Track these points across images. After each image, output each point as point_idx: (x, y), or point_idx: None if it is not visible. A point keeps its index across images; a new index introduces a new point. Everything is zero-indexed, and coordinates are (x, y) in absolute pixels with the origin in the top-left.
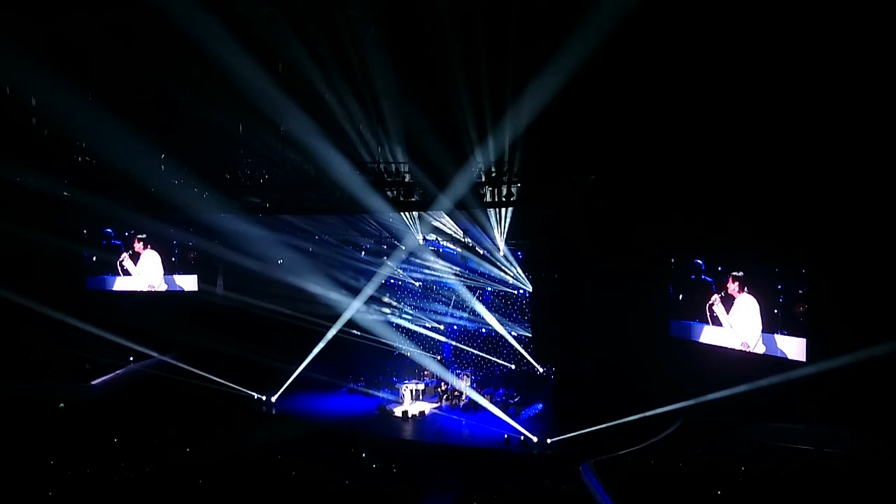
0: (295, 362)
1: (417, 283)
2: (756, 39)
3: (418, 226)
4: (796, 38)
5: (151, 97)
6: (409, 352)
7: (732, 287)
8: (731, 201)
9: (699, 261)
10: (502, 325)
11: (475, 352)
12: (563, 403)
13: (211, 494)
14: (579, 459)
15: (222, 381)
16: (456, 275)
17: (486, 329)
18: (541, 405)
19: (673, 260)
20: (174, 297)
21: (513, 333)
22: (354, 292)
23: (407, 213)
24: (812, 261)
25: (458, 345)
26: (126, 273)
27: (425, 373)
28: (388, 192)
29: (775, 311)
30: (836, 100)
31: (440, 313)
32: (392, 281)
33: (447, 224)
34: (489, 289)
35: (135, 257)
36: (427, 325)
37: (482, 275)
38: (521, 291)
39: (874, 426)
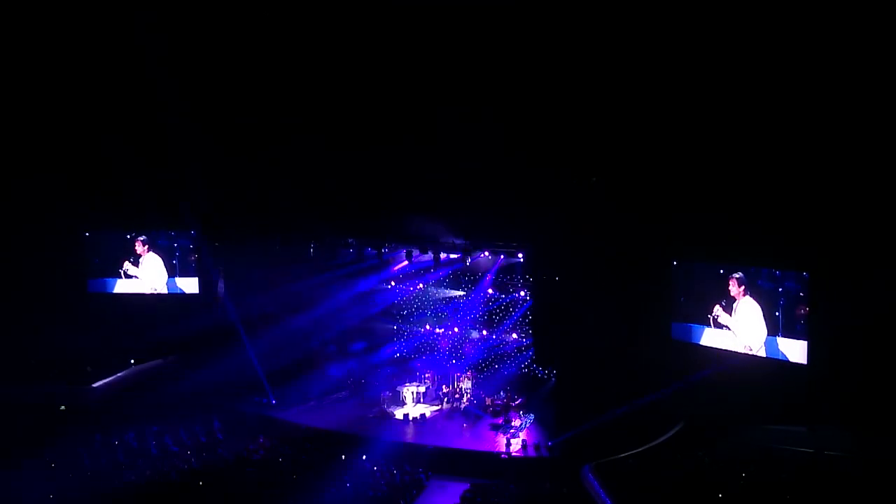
0: (296, 363)
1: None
2: (756, 40)
3: None
4: (796, 39)
5: None
6: (410, 354)
7: (734, 290)
8: (734, 203)
9: (701, 263)
10: (503, 326)
11: (476, 353)
12: (564, 406)
13: (212, 496)
14: (580, 462)
15: (223, 383)
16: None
17: (486, 331)
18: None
19: (675, 262)
20: (175, 299)
21: (514, 335)
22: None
23: None
24: (814, 263)
25: (460, 346)
26: (128, 276)
27: (426, 375)
28: None
29: (777, 313)
30: (838, 102)
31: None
32: (393, 285)
33: None
34: (490, 291)
35: (137, 260)
36: (428, 326)
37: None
38: (520, 295)
39: (876, 429)
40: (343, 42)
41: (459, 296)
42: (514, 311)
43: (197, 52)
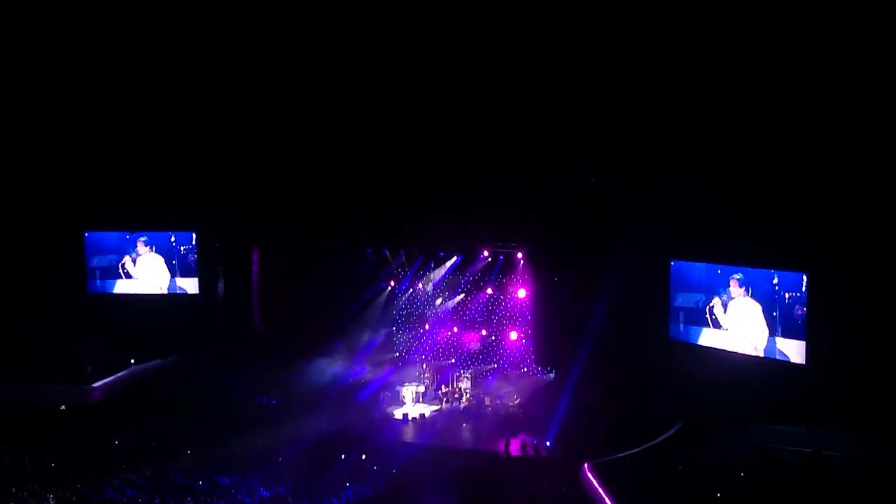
0: (296, 364)
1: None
2: (751, 31)
3: None
4: (792, 30)
5: None
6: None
7: (735, 290)
8: (732, 204)
9: (699, 263)
10: (502, 326)
11: (476, 353)
12: (564, 406)
13: (212, 498)
14: (580, 462)
15: (224, 383)
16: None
17: (486, 331)
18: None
19: (672, 262)
20: (175, 299)
21: (513, 335)
22: None
23: None
24: (812, 263)
25: (459, 347)
26: (128, 276)
27: (426, 375)
28: None
29: (775, 313)
30: (836, 100)
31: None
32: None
33: None
34: (490, 291)
35: (137, 260)
36: (427, 326)
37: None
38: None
39: (874, 429)
40: (340, 43)
41: (459, 295)
42: (513, 310)
43: (198, 51)
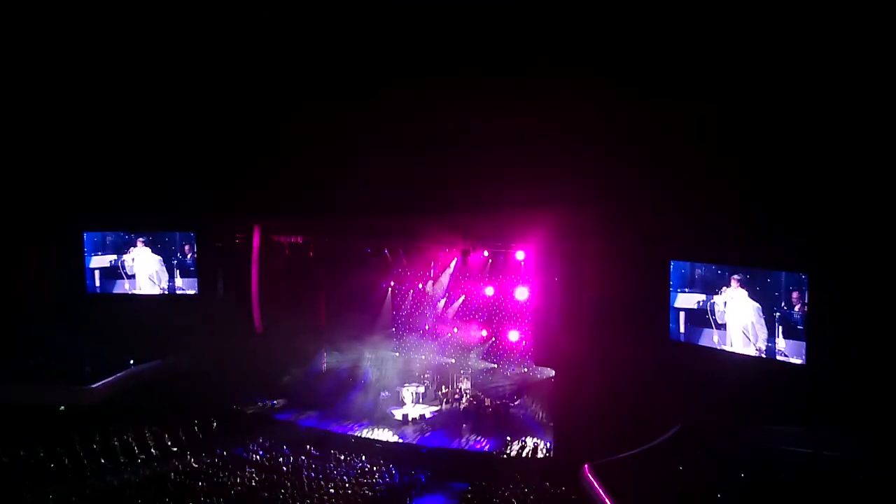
0: (295, 365)
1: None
2: (752, 31)
3: None
4: (787, 34)
5: None
6: (409, 356)
7: (735, 290)
8: (732, 204)
9: (699, 263)
10: (503, 326)
11: (475, 354)
12: (564, 406)
13: (211, 499)
14: (580, 462)
15: (223, 384)
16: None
17: (486, 332)
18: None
19: (672, 262)
20: (175, 299)
21: (513, 335)
22: None
23: None
24: (812, 264)
25: (460, 348)
26: (127, 276)
27: (426, 376)
28: None
29: (775, 314)
30: (837, 101)
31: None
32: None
33: None
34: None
35: (136, 260)
36: (427, 327)
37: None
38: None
39: (874, 429)
40: (347, 39)
41: (460, 298)
42: (513, 311)
43: (197, 51)
